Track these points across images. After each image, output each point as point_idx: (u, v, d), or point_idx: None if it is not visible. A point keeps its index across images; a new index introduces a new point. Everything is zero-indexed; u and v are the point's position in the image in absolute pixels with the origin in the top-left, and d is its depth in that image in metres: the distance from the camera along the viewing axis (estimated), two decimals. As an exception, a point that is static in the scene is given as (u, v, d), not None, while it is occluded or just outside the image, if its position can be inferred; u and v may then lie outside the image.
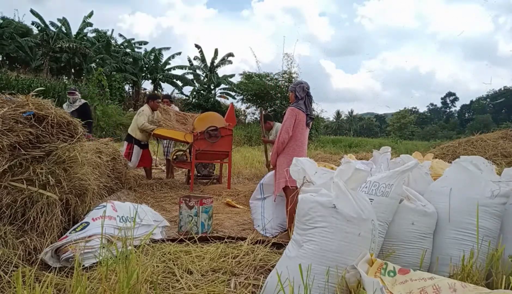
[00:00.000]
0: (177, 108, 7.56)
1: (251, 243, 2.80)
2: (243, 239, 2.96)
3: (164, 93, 27.22)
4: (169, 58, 27.20)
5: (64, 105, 6.26)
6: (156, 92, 26.73)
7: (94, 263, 2.33)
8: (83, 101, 6.46)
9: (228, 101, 25.93)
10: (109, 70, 22.77)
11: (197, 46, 26.06)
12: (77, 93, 6.46)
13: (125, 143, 6.14)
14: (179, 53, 29.29)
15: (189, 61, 27.10)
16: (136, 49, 27.41)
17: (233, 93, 26.21)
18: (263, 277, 2.25)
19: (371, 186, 2.19)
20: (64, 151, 2.81)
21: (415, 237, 2.11)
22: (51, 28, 24.04)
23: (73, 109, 6.12)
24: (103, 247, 2.10)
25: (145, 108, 6.12)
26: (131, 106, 23.77)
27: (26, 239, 2.41)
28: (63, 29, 24.25)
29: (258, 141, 16.57)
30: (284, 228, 3.64)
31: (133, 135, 6.04)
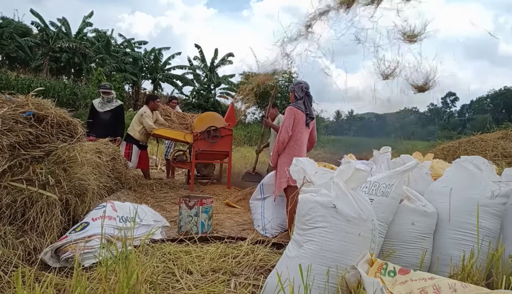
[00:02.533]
0: (179, 109, 7.57)
1: (251, 243, 2.80)
2: (243, 239, 2.95)
3: (164, 93, 27.24)
4: (169, 58, 27.20)
5: (96, 103, 5.79)
6: (156, 92, 26.73)
7: (94, 263, 2.32)
8: (119, 101, 6.01)
9: (228, 101, 25.93)
10: (109, 70, 22.77)
11: (197, 46, 26.07)
12: (112, 91, 5.94)
13: (124, 143, 6.09)
14: (179, 53, 29.36)
15: (189, 61, 27.11)
16: (136, 49, 27.42)
17: (233, 93, 26.22)
18: (263, 277, 2.25)
19: (371, 186, 2.19)
20: (64, 151, 2.81)
21: (415, 237, 2.11)
22: (51, 28, 24.05)
23: (108, 108, 5.74)
24: (103, 247, 2.10)
25: (146, 110, 6.06)
26: (131, 106, 23.76)
27: (26, 239, 2.41)
28: (63, 29, 24.26)
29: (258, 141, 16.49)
30: (284, 228, 3.64)
31: (132, 135, 6.02)
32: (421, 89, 5.34)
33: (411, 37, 5.11)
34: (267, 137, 6.02)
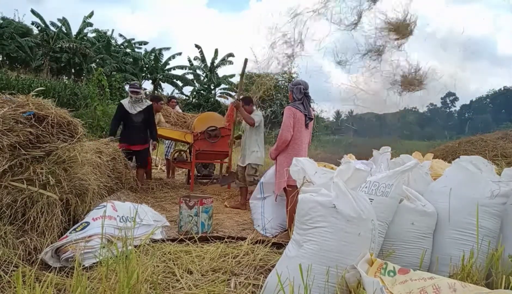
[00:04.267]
0: (179, 109, 7.57)
1: (251, 243, 2.80)
2: (243, 239, 2.96)
3: (164, 93, 27.24)
4: (169, 58, 27.18)
5: (126, 104, 5.18)
6: (156, 92, 26.74)
7: (94, 263, 2.33)
8: (148, 101, 5.42)
9: (228, 101, 25.94)
10: (109, 70, 22.77)
11: (197, 46, 26.07)
12: (141, 91, 5.41)
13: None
14: (180, 53, 29.19)
15: (189, 61, 27.11)
16: (136, 49, 27.40)
17: (233, 93, 26.23)
18: (263, 277, 2.25)
19: (371, 186, 2.20)
20: (64, 151, 2.81)
21: (415, 237, 2.11)
22: (51, 28, 24.04)
23: (139, 109, 5.16)
24: (103, 247, 2.10)
25: None
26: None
27: (26, 239, 2.41)
28: (63, 29, 24.25)
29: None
30: (284, 228, 3.64)
31: None
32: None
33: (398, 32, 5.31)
34: (240, 128, 5.39)
